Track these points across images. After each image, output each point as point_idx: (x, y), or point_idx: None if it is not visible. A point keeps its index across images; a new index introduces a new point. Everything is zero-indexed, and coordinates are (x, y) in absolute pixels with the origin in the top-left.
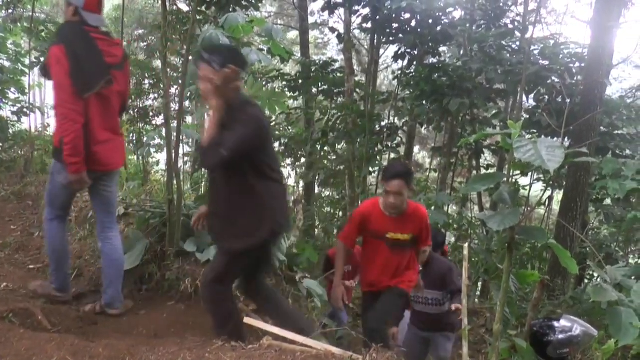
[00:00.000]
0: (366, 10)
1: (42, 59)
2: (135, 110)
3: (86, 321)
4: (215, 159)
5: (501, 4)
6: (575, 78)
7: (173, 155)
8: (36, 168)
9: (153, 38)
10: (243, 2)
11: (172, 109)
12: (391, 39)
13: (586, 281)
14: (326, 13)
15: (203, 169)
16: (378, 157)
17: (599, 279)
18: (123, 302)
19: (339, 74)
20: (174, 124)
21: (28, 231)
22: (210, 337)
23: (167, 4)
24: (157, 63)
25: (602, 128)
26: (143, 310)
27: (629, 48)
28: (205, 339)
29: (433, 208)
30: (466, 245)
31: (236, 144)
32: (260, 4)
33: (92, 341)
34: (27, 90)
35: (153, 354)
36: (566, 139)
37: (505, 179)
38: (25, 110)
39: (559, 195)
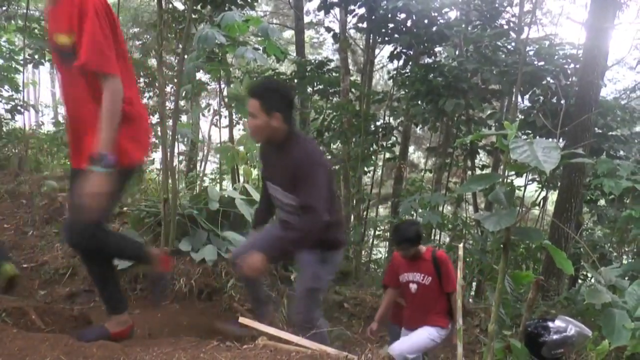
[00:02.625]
0: (362, 10)
1: (36, 57)
2: None
3: (80, 321)
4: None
5: (497, 5)
6: (570, 79)
7: (168, 154)
8: (30, 166)
9: (148, 36)
10: (239, 1)
11: (168, 108)
12: (387, 38)
13: (580, 282)
14: (322, 12)
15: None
16: (373, 157)
17: (593, 280)
18: None
19: (334, 74)
20: (169, 122)
21: (22, 230)
22: (204, 336)
23: (163, 2)
24: (153, 61)
25: (596, 129)
26: (137, 310)
27: (623, 49)
28: (199, 339)
29: (428, 208)
30: (461, 245)
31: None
32: (255, 3)
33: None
34: (20, 88)
35: (147, 354)
36: (561, 140)
37: (500, 180)
38: (19, 108)
39: (553, 196)
